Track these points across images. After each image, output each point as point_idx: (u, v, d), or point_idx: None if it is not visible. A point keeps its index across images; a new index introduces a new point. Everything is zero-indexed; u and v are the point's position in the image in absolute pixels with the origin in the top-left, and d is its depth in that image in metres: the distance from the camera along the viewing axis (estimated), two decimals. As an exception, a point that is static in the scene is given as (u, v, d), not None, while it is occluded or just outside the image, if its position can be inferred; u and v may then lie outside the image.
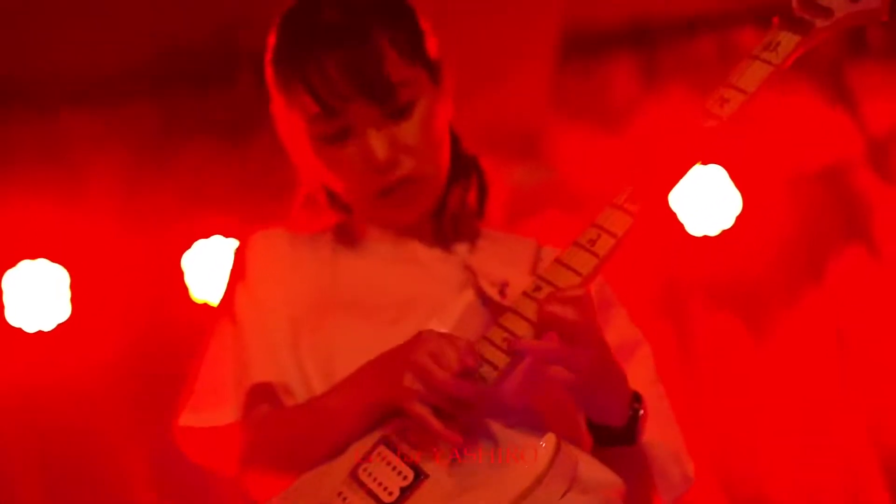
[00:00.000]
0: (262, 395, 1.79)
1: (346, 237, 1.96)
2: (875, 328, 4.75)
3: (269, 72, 1.90)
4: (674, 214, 4.57)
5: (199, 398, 1.84)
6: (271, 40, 1.90)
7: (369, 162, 1.80)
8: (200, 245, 4.20)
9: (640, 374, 1.85)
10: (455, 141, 1.97)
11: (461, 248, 1.94)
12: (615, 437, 1.72)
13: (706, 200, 4.60)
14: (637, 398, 1.73)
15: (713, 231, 4.63)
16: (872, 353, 4.72)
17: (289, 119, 1.89)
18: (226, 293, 1.93)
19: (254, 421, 1.78)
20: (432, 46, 1.90)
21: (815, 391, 4.63)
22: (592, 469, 1.67)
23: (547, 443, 1.56)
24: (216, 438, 1.80)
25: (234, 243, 3.60)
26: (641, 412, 1.72)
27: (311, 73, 1.78)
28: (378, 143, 1.79)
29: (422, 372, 1.57)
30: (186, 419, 1.83)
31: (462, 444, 1.56)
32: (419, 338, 1.62)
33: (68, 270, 4.12)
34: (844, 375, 4.71)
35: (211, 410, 1.81)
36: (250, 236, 1.96)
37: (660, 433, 1.81)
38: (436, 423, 1.56)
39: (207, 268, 4.15)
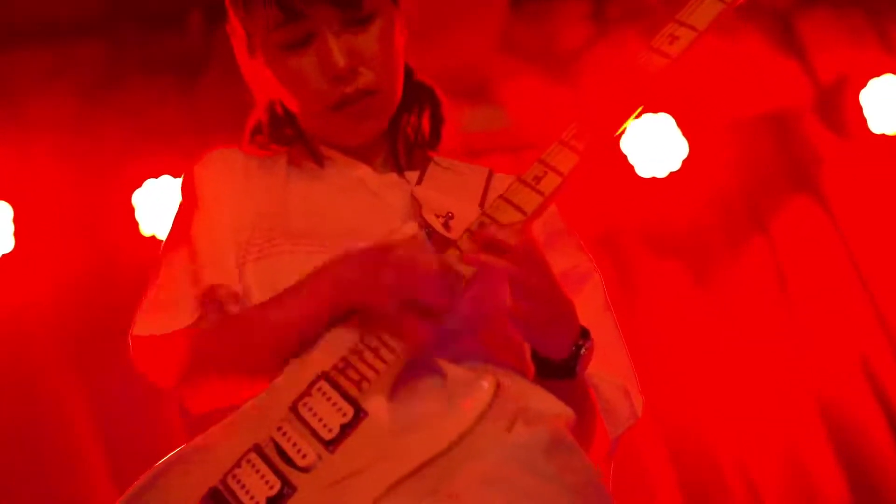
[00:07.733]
0: (214, 302, 1.79)
1: (300, 161, 1.95)
2: (819, 275, 4.79)
3: None
4: (621, 155, 4.58)
5: (153, 307, 1.83)
6: None
7: (328, 69, 1.81)
8: (150, 184, 4.20)
9: (590, 303, 1.85)
10: (409, 69, 1.97)
11: (412, 176, 1.93)
12: (556, 370, 1.71)
13: (654, 143, 4.62)
14: (585, 334, 1.71)
15: (661, 173, 4.65)
16: (816, 300, 4.76)
17: (245, 34, 1.88)
18: (178, 213, 1.92)
19: (203, 328, 1.78)
20: None
21: (758, 338, 4.66)
22: (541, 400, 1.67)
23: (487, 383, 1.57)
24: (167, 345, 1.79)
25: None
26: (584, 350, 1.70)
27: None
28: (337, 50, 1.80)
29: (404, 268, 1.58)
30: (142, 328, 1.82)
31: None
32: (387, 243, 1.63)
33: (13, 205, 4.10)
34: (787, 322, 4.74)
35: (166, 316, 1.80)
36: (205, 154, 1.94)
37: (607, 366, 1.81)
38: (411, 317, 1.56)
39: (156, 206, 4.15)
